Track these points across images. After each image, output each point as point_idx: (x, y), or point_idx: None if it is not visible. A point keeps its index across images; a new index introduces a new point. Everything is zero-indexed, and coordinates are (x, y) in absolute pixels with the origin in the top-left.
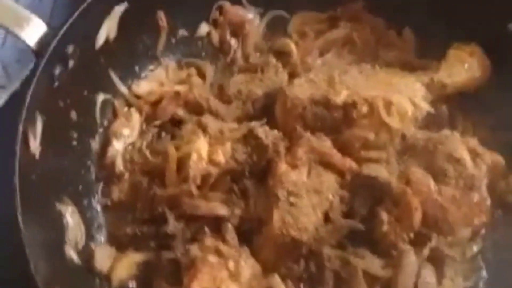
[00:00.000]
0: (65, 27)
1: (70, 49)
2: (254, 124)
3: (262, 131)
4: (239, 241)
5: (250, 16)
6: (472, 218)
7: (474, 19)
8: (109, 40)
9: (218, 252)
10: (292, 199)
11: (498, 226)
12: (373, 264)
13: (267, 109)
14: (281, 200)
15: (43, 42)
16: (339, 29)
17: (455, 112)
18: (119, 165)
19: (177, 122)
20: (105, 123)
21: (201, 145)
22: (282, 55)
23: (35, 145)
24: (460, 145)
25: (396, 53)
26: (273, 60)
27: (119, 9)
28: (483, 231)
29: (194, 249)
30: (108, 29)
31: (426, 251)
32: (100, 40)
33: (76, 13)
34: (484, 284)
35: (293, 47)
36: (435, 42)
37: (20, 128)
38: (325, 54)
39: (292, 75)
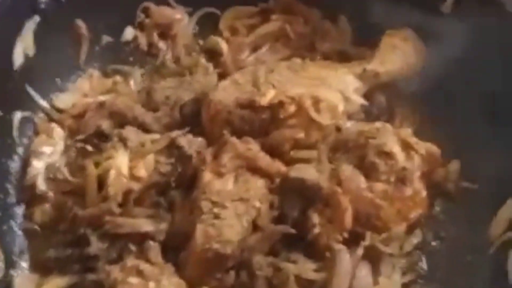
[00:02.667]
0: None
1: None
2: (176, 133)
3: (185, 140)
4: (166, 257)
5: (178, 16)
6: (407, 213)
7: (407, 4)
8: (28, 58)
9: (139, 273)
10: (216, 210)
11: (438, 216)
12: (306, 268)
13: (196, 114)
14: (204, 212)
15: None
16: (271, 22)
17: (393, 101)
18: (41, 186)
19: (102, 136)
20: (25, 141)
21: (121, 160)
22: (214, 54)
23: None
24: (391, 137)
25: (332, 43)
26: (202, 60)
27: (30, 25)
28: (423, 223)
29: (115, 271)
30: (24, 47)
31: (360, 250)
32: (18, 60)
33: None
34: (423, 278)
35: (223, 45)
36: (371, 30)
37: None
38: (259, 50)
39: (223, 75)
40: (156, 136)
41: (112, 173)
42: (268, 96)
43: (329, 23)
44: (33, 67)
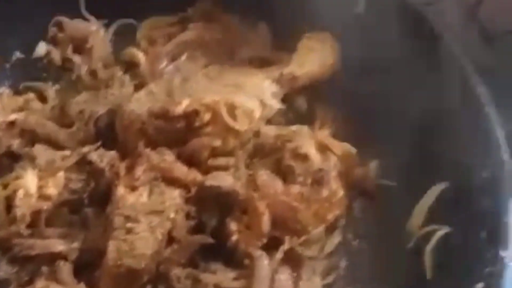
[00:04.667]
0: None
1: None
2: (87, 148)
3: (96, 154)
4: (80, 277)
5: (93, 28)
6: (324, 214)
7: (323, 6)
8: None
9: None
10: (129, 224)
11: (358, 215)
12: (226, 277)
13: (111, 128)
14: (117, 228)
15: None
16: (189, 30)
17: (313, 103)
18: None
19: (13, 155)
20: None
21: (29, 179)
22: (132, 66)
23: None
24: (308, 140)
25: (252, 49)
26: (119, 73)
27: None
28: (342, 223)
29: None
30: None
31: (279, 255)
32: None
33: None
34: (343, 278)
35: (140, 56)
36: (290, 34)
37: None
38: (177, 59)
39: (140, 87)
40: (67, 152)
41: (20, 193)
42: (182, 105)
43: (248, 29)
44: None
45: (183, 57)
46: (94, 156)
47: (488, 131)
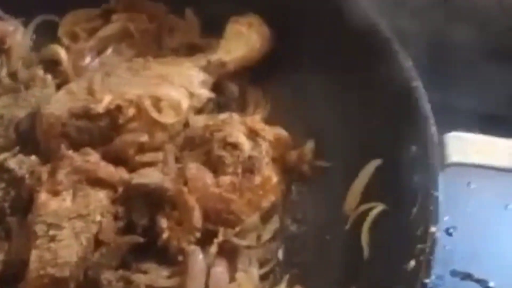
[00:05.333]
0: None
1: None
2: (3, 155)
3: (14, 161)
4: None
5: (11, 28)
6: (258, 202)
7: None
8: None
9: None
10: (52, 232)
11: (295, 199)
12: (159, 275)
13: (33, 132)
14: (39, 236)
15: None
16: (113, 23)
17: (244, 89)
18: None
19: None
20: None
21: None
22: (54, 64)
23: None
24: (237, 127)
25: (180, 38)
26: (40, 72)
27: None
28: (279, 208)
29: None
30: None
31: (214, 248)
32: None
33: None
34: (280, 265)
35: (61, 53)
36: (218, 19)
37: None
38: (102, 54)
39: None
40: None
41: None
42: (103, 102)
43: (175, 17)
44: None
45: (108, 52)
46: (12, 164)
47: (416, 105)
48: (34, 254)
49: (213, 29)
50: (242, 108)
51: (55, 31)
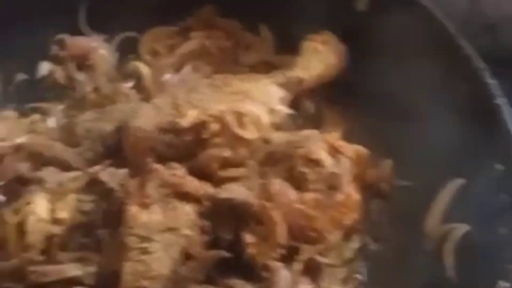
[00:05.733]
0: None
1: None
2: (96, 168)
3: (106, 173)
4: None
5: (94, 44)
6: (341, 219)
7: (324, 6)
8: None
9: None
10: (143, 244)
11: (375, 218)
12: None
13: (120, 145)
14: (131, 249)
15: None
16: (191, 40)
17: (321, 106)
18: None
19: (21, 180)
20: None
21: (39, 204)
22: (136, 80)
23: None
24: (318, 143)
25: (256, 55)
26: (124, 87)
27: None
28: (360, 227)
29: None
30: None
31: (298, 265)
32: None
33: None
34: (363, 284)
35: (143, 69)
36: (292, 36)
37: None
38: (181, 70)
39: (146, 101)
40: (76, 174)
41: (31, 219)
42: (188, 117)
43: (250, 34)
44: None
45: (186, 68)
46: (104, 176)
47: (499, 122)
48: (127, 266)
49: (286, 46)
50: (317, 126)
51: (135, 48)
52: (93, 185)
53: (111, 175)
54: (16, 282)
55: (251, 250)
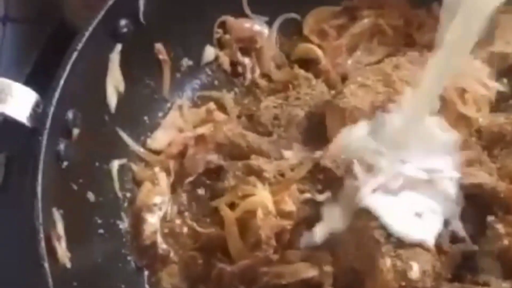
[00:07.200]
0: (58, 89)
1: (70, 114)
2: (317, 154)
3: (330, 160)
4: None
5: (259, 27)
6: None
7: None
8: (120, 95)
9: None
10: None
11: None
12: None
13: (312, 131)
14: (382, 243)
15: (37, 114)
16: (363, 19)
17: None
18: (162, 244)
19: (213, 173)
20: (128, 195)
21: (264, 196)
22: (308, 63)
23: (62, 251)
24: None
25: (431, 33)
26: (301, 71)
27: (114, 56)
28: None
29: None
30: (114, 84)
31: None
32: (112, 101)
33: (66, 70)
34: None
35: (318, 51)
36: None
37: (41, 235)
38: (354, 52)
39: (328, 84)
40: (292, 161)
41: (260, 212)
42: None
43: (423, 11)
44: (122, 105)
45: (359, 50)
46: (329, 162)
47: None
48: (384, 263)
49: None
50: None
51: (295, 30)
52: (316, 174)
53: (336, 162)
54: (246, 285)
55: (505, 242)
